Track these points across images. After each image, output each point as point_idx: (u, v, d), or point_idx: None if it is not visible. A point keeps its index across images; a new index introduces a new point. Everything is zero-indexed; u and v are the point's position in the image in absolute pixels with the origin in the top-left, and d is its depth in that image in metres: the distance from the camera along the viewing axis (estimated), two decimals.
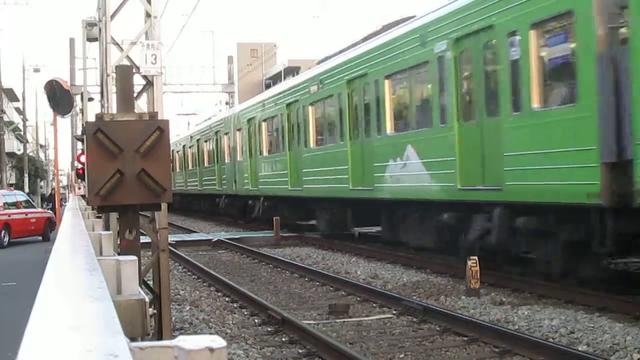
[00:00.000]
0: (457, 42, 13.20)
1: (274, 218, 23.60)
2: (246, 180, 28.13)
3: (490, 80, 12.59)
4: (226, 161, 31.84)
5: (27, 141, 67.71)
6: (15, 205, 27.81)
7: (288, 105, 23.37)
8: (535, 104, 11.14)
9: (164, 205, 8.15)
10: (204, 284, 14.81)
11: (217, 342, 1.50)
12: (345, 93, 18.62)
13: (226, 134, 31.81)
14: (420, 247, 15.93)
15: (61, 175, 69.47)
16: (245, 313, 11.33)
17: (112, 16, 10.37)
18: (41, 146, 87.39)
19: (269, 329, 9.89)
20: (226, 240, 22.89)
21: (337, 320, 10.44)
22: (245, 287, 13.49)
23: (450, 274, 13.89)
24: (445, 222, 14.03)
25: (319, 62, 22.38)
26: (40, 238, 28.66)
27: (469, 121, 13.12)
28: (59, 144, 32.54)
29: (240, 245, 21.50)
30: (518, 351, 8.10)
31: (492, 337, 8.68)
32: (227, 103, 51.82)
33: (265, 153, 26.26)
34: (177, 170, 45.52)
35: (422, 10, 16.98)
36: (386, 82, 16.26)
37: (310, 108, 21.48)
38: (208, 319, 10.65)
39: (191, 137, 41.26)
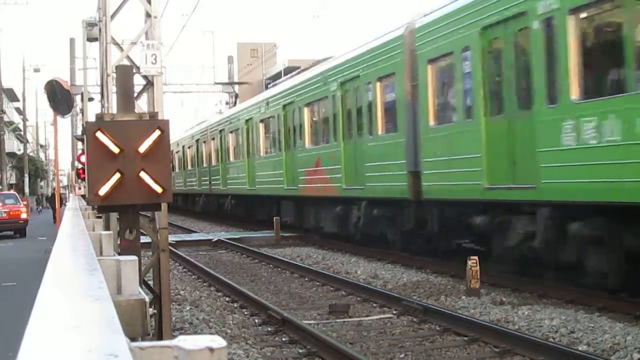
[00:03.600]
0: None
1: (274, 218, 23.56)
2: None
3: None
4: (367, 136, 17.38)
5: (27, 141, 67.74)
6: None
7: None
8: None
9: (164, 205, 8.15)
10: (204, 284, 14.82)
11: (217, 342, 1.50)
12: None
13: (343, 91, 18.45)
14: None
15: (61, 175, 69.55)
16: (246, 313, 11.33)
17: (112, 16, 10.37)
18: (41, 146, 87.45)
19: (269, 329, 9.89)
20: (226, 240, 22.90)
21: (337, 320, 10.44)
22: (245, 287, 13.50)
23: (451, 274, 13.89)
24: None
25: None
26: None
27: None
28: (59, 144, 32.62)
29: (241, 245, 21.50)
30: (518, 351, 8.10)
31: (492, 337, 8.68)
32: (227, 103, 51.78)
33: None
34: (232, 159, 30.86)
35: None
36: None
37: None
38: (208, 319, 10.65)
39: (268, 103, 25.01)
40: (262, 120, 25.89)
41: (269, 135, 25.39)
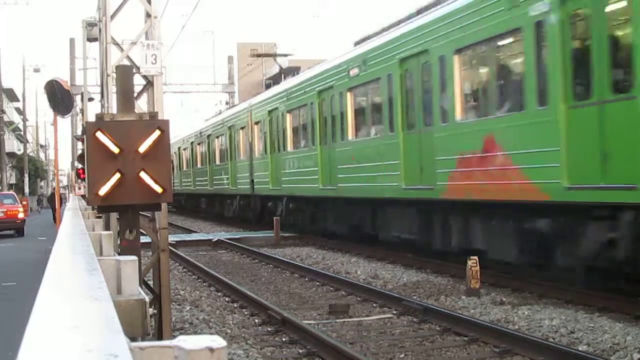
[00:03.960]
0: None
1: (274, 218, 23.52)
2: None
3: None
4: None
5: (27, 141, 67.74)
6: None
7: None
8: None
9: (164, 205, 8.15)
10: (204, 284, 14.81)
11: (217, 342, 1.51)
12: None
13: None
14: None
15: (61, 175, 69.58)
16: (246, 313, 11.33)
17: (112, 16, 10.37)
18: (41, 146, 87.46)
19: (269, 329, 9.89)
20: (226, 240, 22.89)
21: (337, 320, 10.44)
22: (245, 287, 13.50)
23: (451, 274, 13.89)
24: None
25: None
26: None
27: None
28: (59, 144, 32.74)
29: (241, 245, 21.49)
30: (518, 351, 8.10)
31: (492, 337, 8.67)
32: (227, 103, 51.76)
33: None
34: (290, 148, 22.88)
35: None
36: None
37: None
38: (208, 319, 10.65)
39: (366, 62, 17.04)
40: (351, 89, 18.04)
41: (363, 110, 17.88)
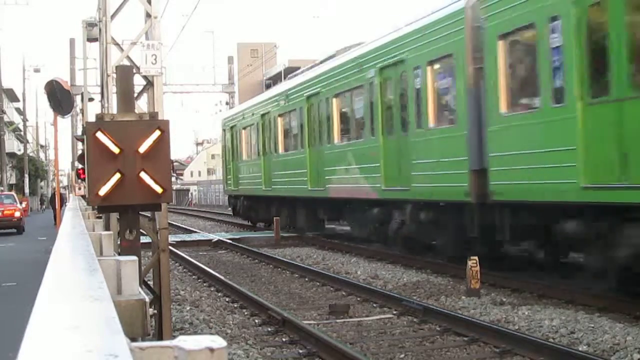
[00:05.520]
0: None
1: (275, 218, 23.51)
2: None
3: None
4: None
5: (28, 141, 67.74)
6: None
7: None
8: None
9: (164, 205, 8.15)
10: (205, 284, 14.81)
11: (218, 342, 1.50)
12: None
13: None
14: None
15: (61, 175, 69.59)
16: (246, 313, 11.33)
17: (113, 16, 10.37)
18: (41, 146, 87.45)
19: (270, 329, 9.89)
20: (226, 241, 22.89)
21: (338, 321, 10.44)
22: (245, 287, 13.50)
23: (451, 274, 13.89)
24: None
25: None
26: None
27: None
28: (59, 144, 32.85)
29: (241, 245, 21.50)
30: (518, 351, 8.10)
31: (492, 337, 8.67)
32: (227, 103, 51.77)
33: None
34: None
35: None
36: None
37: None
38: (208, 319, 10.65)
39: None
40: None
41: None
